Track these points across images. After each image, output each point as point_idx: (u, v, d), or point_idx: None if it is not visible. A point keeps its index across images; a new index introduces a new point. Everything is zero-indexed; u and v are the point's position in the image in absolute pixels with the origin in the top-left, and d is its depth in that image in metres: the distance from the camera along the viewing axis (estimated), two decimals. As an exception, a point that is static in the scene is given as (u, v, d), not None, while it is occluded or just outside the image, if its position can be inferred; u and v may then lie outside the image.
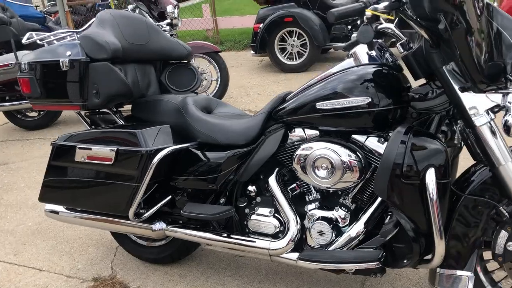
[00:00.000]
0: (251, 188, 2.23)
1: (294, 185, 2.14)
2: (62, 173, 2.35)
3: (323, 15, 6.48)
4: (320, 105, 1.92)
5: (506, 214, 1.74)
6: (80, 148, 2.24)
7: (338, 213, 2.01)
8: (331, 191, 2.05)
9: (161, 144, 2.16)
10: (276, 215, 2.15)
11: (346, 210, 2.01)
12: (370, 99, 1.82)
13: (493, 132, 1.70)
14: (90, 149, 2.22)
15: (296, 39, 6.57)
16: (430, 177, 1.62)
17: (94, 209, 2.37)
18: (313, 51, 6.51)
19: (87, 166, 2.25)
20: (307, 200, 2.10)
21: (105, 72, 2.23)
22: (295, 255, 2.03)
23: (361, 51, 1.97)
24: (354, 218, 1.99)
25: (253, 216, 2.18)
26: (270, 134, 2.13)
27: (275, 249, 2.07)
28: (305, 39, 6.50)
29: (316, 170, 1.94)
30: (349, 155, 1.89)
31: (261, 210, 2.18)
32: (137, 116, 2.44)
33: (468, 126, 1.71)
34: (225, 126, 2.20)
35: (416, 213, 1.69)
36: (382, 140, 1.92)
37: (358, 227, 1.94)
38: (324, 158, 1.92)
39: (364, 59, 1.95)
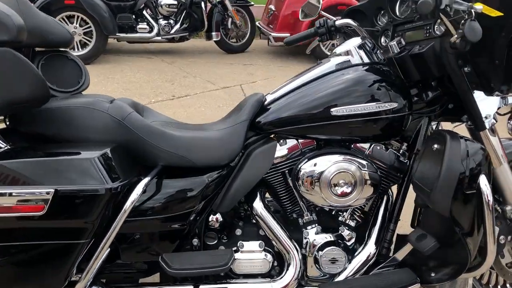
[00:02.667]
0: (217, 219, 1.73)
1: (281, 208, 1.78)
2: None
3: (106, 2, 5.76)
4: (336, 111, 1.62)
5: (499, 210, 1.84)
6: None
7: (344, 235, 1.76)
8: (325, 210, 1.78)
9: (123, 176, 1.44)
10: (266, 248, 1.73)
11: (349, 229, 1.77)
12: (396, 104, 1.63)
13: (495, 134, 1.76)
14: (-9, 195, 1.29)
15: (78, 26, 5.62)
16: (484, 182, 1.56)
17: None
18: (100, 40, 5.71)
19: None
20: (301, 224, 1.76)
21: (4, 64, 1.34)
22: (313, 294, 1.68)
23: (356, 48, 1.76)
24: (358, 237, 1.78)
25: (238, 255, 1.69)
26: (255, 148, 1.69)
27: (274, 290, 1.67)
28: (90, 27, 5.64)
29: (334, 188, 1.64)
30: (369, 168, 1.67)
31: (247, 246, 1.71)
32: (31, 133, 1.57)
33: (478, 128, 1.72)
34: (200, 141, 1.63)
35: (471, 223, 1.60)
36: (384, 149, 1.77)
37: (370, 249, 1.74)
38: (345, 172, 1.64)
39: (361, 57, 1.76)
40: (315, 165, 1.65)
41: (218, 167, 1.65)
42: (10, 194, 1.29)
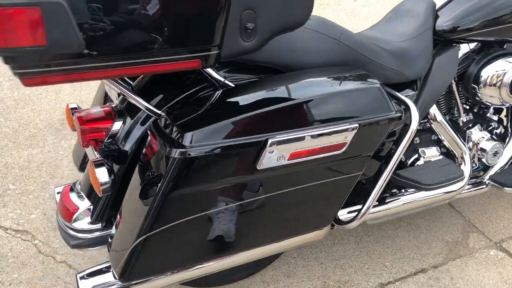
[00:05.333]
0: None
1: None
2: (206, 203, 1.13)
3: None
4: None
5: None
6: (276, 142, 1.11)
7: (496, 129, 1.91)
8: (476, 110, 1.89)
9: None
10: (441, 150, 1.81)
11: (498, 123, 1.93)
12: None
13: None
14: (300, 139, 1.13)
15: None
16: None
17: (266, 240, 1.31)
18: None
19: (288, 170, 1.17)
20: (461, 124, 1.86)
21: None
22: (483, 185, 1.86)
23: None
24: (502, 130, 1.95)
25: (420, 162, 1.75)
26: (436, 56, 1.68)
27: (461, 189, 1.79)
28: None
29: None
30: None
31: (428, 152, 1.76)
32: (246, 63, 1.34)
33: None
34: (407, 53, 1.56)
35: None
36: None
37: (519, 138, 1.93)
38: None
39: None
40: (496, 68, 1.71)
41: (416, 80, 1.63)
42: (318, 135, 1.15)
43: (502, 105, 1.80)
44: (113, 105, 1.35)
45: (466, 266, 1.93)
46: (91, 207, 1.37)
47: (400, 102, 1.38)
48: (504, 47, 1.85)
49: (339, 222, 1.45)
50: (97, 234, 1.35)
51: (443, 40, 1.69)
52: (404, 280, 1.85)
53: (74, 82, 1.09)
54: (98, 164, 1.16)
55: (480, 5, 1.65)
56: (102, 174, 1.15)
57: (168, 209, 1.10)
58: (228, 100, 1.20)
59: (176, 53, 1.03)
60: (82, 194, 1.41)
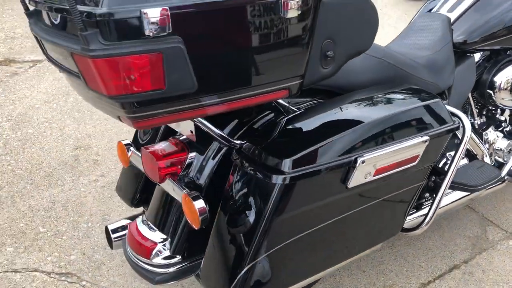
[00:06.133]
0: None
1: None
2: (305, 224, 1.18)
3: None
4: None
5: None
6: (365, 161, 1.17)
7: (506, 127, 2.08)
8: (487, 112, 2.05)
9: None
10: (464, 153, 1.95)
11: (506, 123, 2.09)
12: None
13: None
14: (385, 155, 1.21)
15: None
16: None
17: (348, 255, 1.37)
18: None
19: (370, 186, 1.24)
20: (476, 127, 2.01)
21: (357, 11, 1.19)
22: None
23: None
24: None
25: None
26: (458, 66, 1.82)
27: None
28: None
29: None
30: None
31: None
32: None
33: None
34: (436, 65, 1.69)
35: None
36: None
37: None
38: None
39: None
40: (507, 74, 1.88)
41: (444, 91, 1.76)
42: (399, 150, 1.24)
43: (516, 107, 1.97)
44: (181, 138, 1.38)
45: (492, 258, 2.07)
46: (167, 240, 1.38)
47: (450, 112, 1.49)
48: (508, 53, 2.02)
49: (403, 229, 1.54)
50: (177, 267, 1.36)
51: (460, 52, 1.83)
52: (442, 277, 1.96)
53: (180, 122, 1.12)
54: (194, 197, 1.19)
55: (484, 20, 1.81)
56: (201, 207, 1.17)
57: (271, 235, 1.14)
58: (306, 124, 1.26)
59: (269, 85, 1.10)
60: (154, 227, 1.42)
